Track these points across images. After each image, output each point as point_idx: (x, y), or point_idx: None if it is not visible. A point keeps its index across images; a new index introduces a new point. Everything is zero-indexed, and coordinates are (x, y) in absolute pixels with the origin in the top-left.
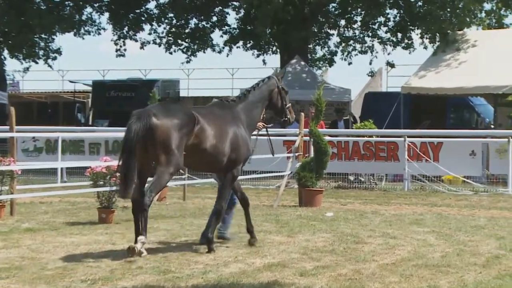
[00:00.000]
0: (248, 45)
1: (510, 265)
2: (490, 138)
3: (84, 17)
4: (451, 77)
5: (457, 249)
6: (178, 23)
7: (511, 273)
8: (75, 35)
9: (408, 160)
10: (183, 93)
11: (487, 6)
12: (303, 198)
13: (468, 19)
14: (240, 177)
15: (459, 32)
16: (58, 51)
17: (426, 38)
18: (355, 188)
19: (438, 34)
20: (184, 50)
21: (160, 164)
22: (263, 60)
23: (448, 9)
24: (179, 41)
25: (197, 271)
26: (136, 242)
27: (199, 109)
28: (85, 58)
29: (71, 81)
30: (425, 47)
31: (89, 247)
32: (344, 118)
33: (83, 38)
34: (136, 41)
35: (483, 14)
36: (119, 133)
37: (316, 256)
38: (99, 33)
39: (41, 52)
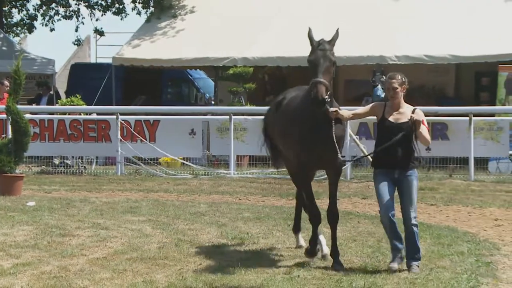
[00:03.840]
0: None
1: (231, 255)
2: (211, 116)
3: None
4: (168, 47)
5: (175, 239)
6: None
7: (233, 264)
8: None
9: (121, 140)
10: None
11: None
12: (0, 186)
13: None
14: None
15: None
16: None
17: (139, 2)
18: (61, 173)
19: (152, 0)
20: None
21: None
22: None
23: None
24: None
25: None
26: None
27: None
28: None
29: None
30: (139, 13)
31: None
32: (50, 93)
33: None
34: None
35: None
36: None
37: (16, 252)
38: None
39: None
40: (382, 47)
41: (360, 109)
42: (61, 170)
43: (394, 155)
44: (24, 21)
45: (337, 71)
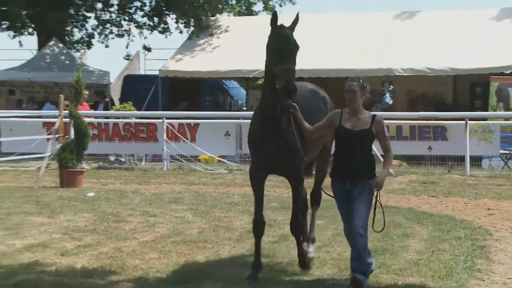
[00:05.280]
0: (3, 26)
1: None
2: (243, 120)
3: None
4: (206, 61)
5: (213, 225)
6: None
7: (262, 245)
8: None
9: (166, 141)
10: None
11: None
12: (64, 179)
13: (220, 6)
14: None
15: (212, 18)
16: None
17: (181, 23)
18: (115, 169)
19: (192, 19)
20: None
21: None
22: (20, 42)
23: None
24: None
25: None
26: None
27: None
28: None
29: None
30: (181, 32)
31: None
32: (106, 100)
33: None
34: None
35: (234, 1)
36: None
37: (78, 235)
38: None
39: None
40: (390, 60)
41: (319, 123)
42: (116, 166)
43: (349, 166)
44: (83, 39)
45: None
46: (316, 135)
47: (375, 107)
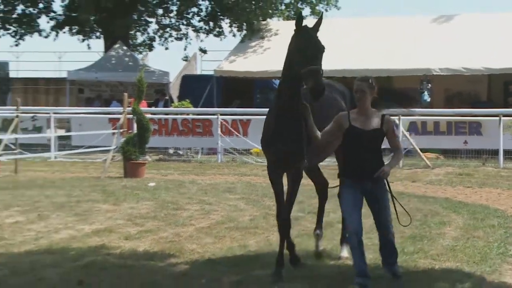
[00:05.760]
0: (74, 31)
1: (307, 225)
2: None
3: None
4: (257, 61)
5: (263, 213)
6: (5, 9)
7: (308, 232)
8: None
9: (221, 135)
10: (12, 75)
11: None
12: (128, 170)
13: (270, 11)
14: (69, 152)
15: (263, 22)
16: None
17: (235, 27)
18: (174, 161)
19: (245, 24)
20: (13, 34)
21: None
22: (88, 45)
23: (253, 2)
24: (7, 26)
25: (29, 238)
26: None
27: None
28: None
29: None
30: (234, 35)
31: None
32: (166, 98)
33: None
34: None
35: (283, 7)
36: None
37: (140, 221)
38: None
39: None
40: (428, 61)
41: (326, 128)
42: (174, 158)
43: (365, 166)
44: (145, 42)
45: (392, 80)
46: (325, 140)
47: None
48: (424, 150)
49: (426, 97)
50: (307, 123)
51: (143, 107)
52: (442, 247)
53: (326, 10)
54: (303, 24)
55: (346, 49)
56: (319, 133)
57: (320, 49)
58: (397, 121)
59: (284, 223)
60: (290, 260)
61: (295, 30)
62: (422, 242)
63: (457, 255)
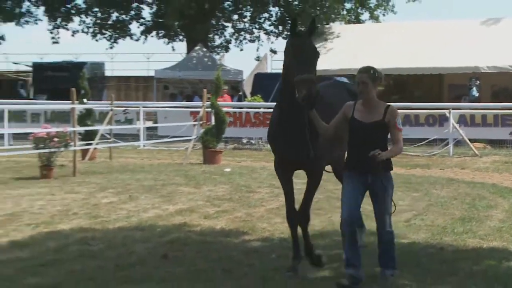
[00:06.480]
0: (160, 35)
1: (364, 207)
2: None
3: (23, 10)
4: (321, 61)
5: (326, 196)
6: (102, 16)
7: (366, 213)
8: (16, 24)
9: None
10: (107, 74)
11: (348, 5)
12: (207, 157)
13: (333, 16)
14: (156, 141)
15: (326, 26)
16: (2, 38)
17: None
18: (247, 149)
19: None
20: (108, 38)
21: None
22: (172, 47)
23: (318, 8)
24: (103, 31)
25: (121, 216)
26: None
27: None
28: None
29: (14, 63)
30: None
31: (33, 197)
32: (239, 94)
33: (23, 27)
34: (68, 30)
35: (345, 12)
36: (55, 105)
37: (217, 203)
38: (36, 23)
39: None
40: (476, 59)
41: (334, 119)
42: (247, 147)
43: (364, 158)
44: (222, 44)
45: (443, 77)
46: (333, 131)
47: (463, 99)
48: (472, 140)
49: (475, 92)
50: (312, 118)
51: (226, 101)
52: (489, 228)
53: (384, 15)
54: (297, 29)
55: (401, 50)
56: (326, 125)
57: (312, 54)
58: (447, 114)
59: (305, 218)
60: (305, 252)
61: (289, 35)
62: (470, 223)
63: (503, 235)
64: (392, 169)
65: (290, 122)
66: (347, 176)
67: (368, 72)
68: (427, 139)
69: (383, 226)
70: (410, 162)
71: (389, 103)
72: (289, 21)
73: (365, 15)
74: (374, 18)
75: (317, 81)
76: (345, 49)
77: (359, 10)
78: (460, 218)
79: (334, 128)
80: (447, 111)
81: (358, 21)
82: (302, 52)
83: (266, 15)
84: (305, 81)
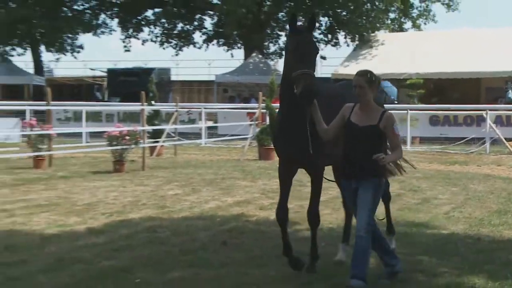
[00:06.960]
0: (220, 43)
1: (407, 200)
2: (394, 111)
3: (99, 22)
4: (367, 66)
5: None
6: (169, 26)
7: (409, 206)
8: (93, 34)
9: None
10: (173, 78)
11: (392, 15)
12: (262, 154)
13: (378, 25)
14: (216, 139)
15: (372, 34)
16: (81, 47)
17: (349, 38)
18: None
19: (357, 35)
20: (174, 46)
21: None
22: (231, 54)
23: (364, 17)
24: (170, 40)
25: (185, 207)
26: None
27: None
28: (101, 52)
29: (91, 69)
30: (348, 45)
31: (107, 189)
32: None
33: (99, 37)
34: (138, 39)
35: (389, 21)
36: (127, 107)
37: (271, 195)
38: (111, 33)
39: (68, 47)
40: None
41: (334, 120)
42: None
43: (352, 162)
44: (276, 51)
45: (480, 81)
46: (333, 133)
47: (499, 101)
48: (508, 139)
49: (511, 94)
50: (313, 115)
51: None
52: None
53: (425, 24)
54: (297, 25)
55: (441, 56)
56: (325, 128)
57: (311, 50)
58: (484, 115)
59: (314, 218)
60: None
61: (289, 31)
62: (506, 216)
63: None
64: (382, 176)
65: (291, 118)
66: (343, 184)
67: (365, 75)
68: (466, 138)
69: (357, 229)
70: (449, 159)
71: (385, 109)
72: (337, 29)
73: (408, 24)
74: (416, 26)
75: (315, 76)
76: (388, 56)
77: (402, 20)
78: (497, 211)
79: (334, 130)
80: (485, 112)
81: (401, 29)
82: (301, 48)
83: (316, 24)
84: (304, 76)
